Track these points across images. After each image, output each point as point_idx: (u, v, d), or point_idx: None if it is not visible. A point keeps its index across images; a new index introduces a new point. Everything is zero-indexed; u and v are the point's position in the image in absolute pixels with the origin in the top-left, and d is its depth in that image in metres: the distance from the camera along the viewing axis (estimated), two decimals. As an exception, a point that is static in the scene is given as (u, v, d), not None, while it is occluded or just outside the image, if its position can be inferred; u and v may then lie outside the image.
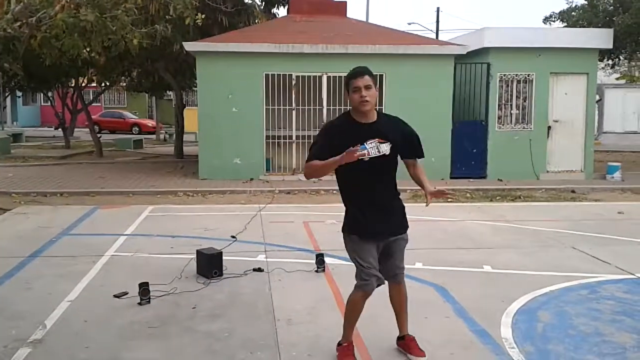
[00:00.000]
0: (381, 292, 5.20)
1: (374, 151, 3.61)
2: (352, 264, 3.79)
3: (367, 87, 3.61)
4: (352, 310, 3.87)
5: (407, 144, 3.82)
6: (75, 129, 25.97)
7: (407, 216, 3.85)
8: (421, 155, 3.90)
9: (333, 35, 13.40)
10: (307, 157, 3.79)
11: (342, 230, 3.82)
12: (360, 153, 3.47)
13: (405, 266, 3.92)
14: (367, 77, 3.63)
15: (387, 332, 4.29)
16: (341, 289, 5.30)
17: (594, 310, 4.83)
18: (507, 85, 13.54)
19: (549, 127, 13.65)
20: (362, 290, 3.76)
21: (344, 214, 3.81)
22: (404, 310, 4.03)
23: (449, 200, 10.38)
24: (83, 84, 21.78)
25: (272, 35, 13.34)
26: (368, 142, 3.60)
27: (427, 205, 3.84)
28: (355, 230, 3.74)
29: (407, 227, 3.86)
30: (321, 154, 3.65)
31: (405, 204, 3.86)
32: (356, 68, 3.71)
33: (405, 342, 4.01)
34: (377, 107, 3.89)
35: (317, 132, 3.87)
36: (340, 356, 3.87)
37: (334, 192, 11.44)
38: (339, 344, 3.94)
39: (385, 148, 3.64)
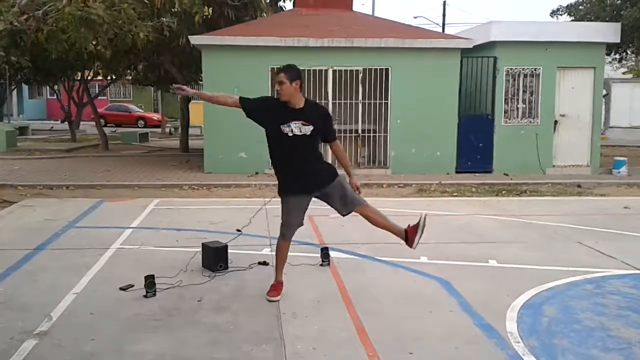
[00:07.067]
0: (382, 291, 5.22)
1: (297, 130, 4.48)
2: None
3: (280, 83, 4.43)
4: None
5: (326, 129, 4.67)
6: (81, 122, 26.02)
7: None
8: (331, 140, 4.79)
9: (339, 28, 13.35)
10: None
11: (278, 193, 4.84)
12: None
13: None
14: (281, 75, 4.44)
15: (391, 326, 4.32)
16: (346, 283, 5.31)
17: (599, 305, 4.81)
18: (514, 79, 13.48)
19: (556, 122, 13.59)
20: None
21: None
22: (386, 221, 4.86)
23: (455, 195, 10.38)
24: (89, 77, 21.81)
25: (278, 28, 13.32)
26: (293, 122, 4.47)
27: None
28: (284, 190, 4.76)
29: (333, 177, 4.69)
30: (250, 104, 4.59)
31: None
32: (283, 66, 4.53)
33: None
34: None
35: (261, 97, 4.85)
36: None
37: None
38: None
39: (307, 129, 4.50)
